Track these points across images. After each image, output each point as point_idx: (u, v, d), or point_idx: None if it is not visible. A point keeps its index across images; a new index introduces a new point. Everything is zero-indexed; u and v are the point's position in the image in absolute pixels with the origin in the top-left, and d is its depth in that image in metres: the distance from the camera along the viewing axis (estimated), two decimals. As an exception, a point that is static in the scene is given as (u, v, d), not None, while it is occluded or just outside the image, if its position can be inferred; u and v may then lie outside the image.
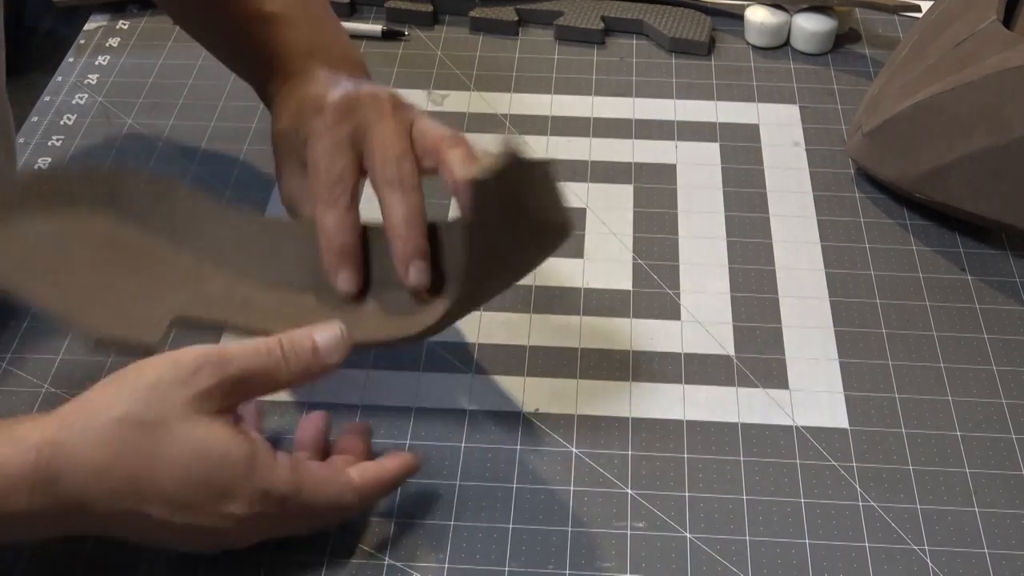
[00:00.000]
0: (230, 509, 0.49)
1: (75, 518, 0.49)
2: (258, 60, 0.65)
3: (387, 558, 0.55)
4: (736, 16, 0.90)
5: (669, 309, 0.68)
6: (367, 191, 0.59)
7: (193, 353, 0.49)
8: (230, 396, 0.50)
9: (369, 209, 0.59)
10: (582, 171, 0.77)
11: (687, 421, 0.62)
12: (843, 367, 0.64)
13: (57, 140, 0.80)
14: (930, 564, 0.55)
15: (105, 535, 0.51)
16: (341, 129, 0.57)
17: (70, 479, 0.47)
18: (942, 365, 0.64)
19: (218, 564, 0.55)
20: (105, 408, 0.48)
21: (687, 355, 0.65)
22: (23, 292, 0.56)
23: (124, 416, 0.48)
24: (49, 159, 0.78)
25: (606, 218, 0.74)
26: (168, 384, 0.48)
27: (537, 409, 0.62)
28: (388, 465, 0.54)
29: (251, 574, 0.55)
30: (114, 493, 0.48)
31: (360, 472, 0.53)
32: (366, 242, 0.58)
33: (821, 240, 0.72)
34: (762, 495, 0.58)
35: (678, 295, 0.69)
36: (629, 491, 0.58)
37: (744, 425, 0.61)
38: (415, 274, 0.56)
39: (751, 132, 0.81)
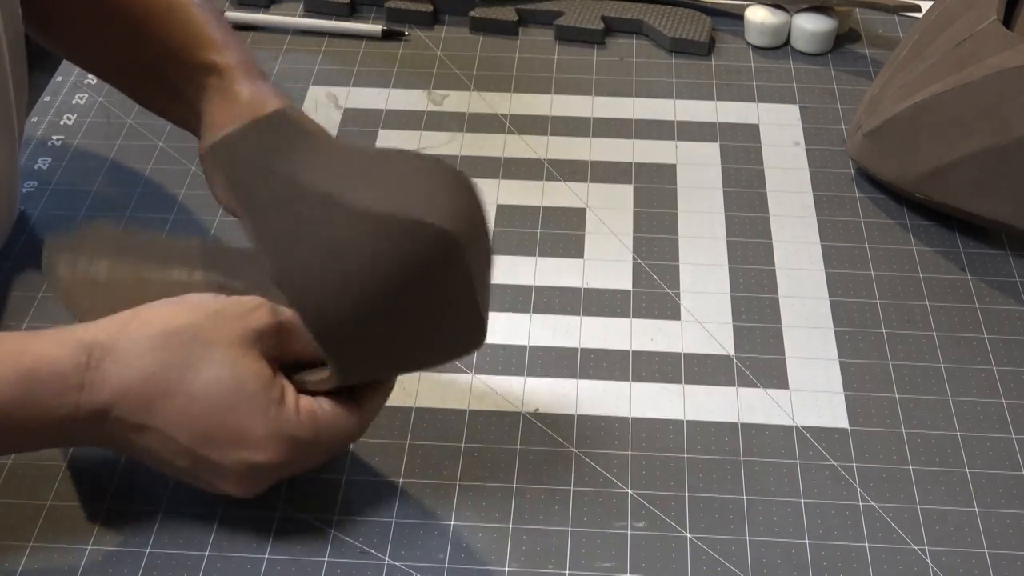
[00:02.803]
0: (246, 455, 0.50)
1: (106, 425, 0.50)
2: (186, 83, 0.64)
3: (387, 558, 0.55)
4: (736, 16, 0.90)
5: (669, 309, 0.68)
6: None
7: (253, 298, 0.51)
8: (279, 344, 0.51)
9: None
10: (582, 171, 0.77)
11: (687, 421, 0.62)
12: (843, 367, 0.64)
13: (57, 140, 0.80)
14: (930, 564, 0.55)
15: (126, 453, 0.53)
16: None
17: (115, 380, 0.49)
18: (942, 365, 0.64)
19: (218, 564, 0.55)
20: (164, 319, 0.50)
21: (687, 355, 0.65)
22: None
23: (183, 328, 0.50)
24: (49, 159, 0.78)
25: (606, 218, 0.74)
26: (229, 314, 0.50)
27: (537, 409, 0.62)
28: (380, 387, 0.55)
29: (251, 574, 0.55)
30: (146, 405, 0.49)
31: (367, 401, 0.54)
32: None
33: (821, 240, 0.72)
34: (762, 495, 0.58)
35: (678, 295, 0.69)
36: (629, 491, 0.58)
37: (744, 425, 0.61)
38: None
39: (751, 132, 0.81)
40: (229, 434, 0.50)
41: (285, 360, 0.52)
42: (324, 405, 0.52)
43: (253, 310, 0.51)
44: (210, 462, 0.51)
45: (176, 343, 0.50)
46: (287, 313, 0.52)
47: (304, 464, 0.53)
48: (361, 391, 0.53)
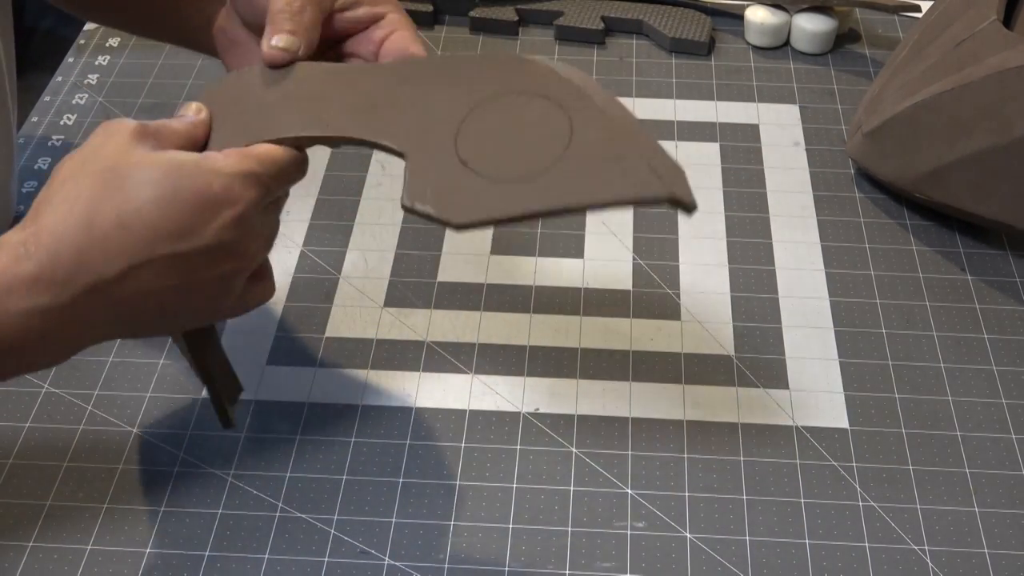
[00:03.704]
0: (223, 216, 0.48)
1: (89, 308, 0.47)
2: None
3: (387, 558, 0.55)
4: (736, 16, 0.90)
5: (669, 309, 0.68)
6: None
7: (106, 122, 0.50)
8: (158, 138, 0.50)
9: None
10: (582, 171, 0.77)
11: (687, 421, 0.62)
12: (843, 367, 0.64)
13: (57, 140, 0.80)
14: (930, 564, 0.55)
15: (132, 329, 0.51)
16: None
17: (65, 251, 0.46)
18: (942, 365, 0.64)
19: (218, 564, 0.55)
20: (63, 184, 0.48)
21: (687, 355, 0.65)
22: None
23: (80, 173, 0.47)
24: (49, 159, 0.78)
25: (606, 218, 0.74)
26: (103, 142, 0.49)
27: (537, 409, 0.62)
28: None
29: (251, 574, 0.55)
30: (108, 242, 0.47)
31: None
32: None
33: (821, 240, 0.72)
34: (762, 495, 0.58)
35: (678, 295, 0.69)
36: (629, 491, 0.58)
37: (744, 425, 0.61)
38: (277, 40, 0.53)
39: (751, 132, 0.81)
40: (195, 210, 0.48)
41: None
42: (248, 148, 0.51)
43: (119, 122, 0.49)
44: (208, 255, 0.48)
45: (89, 183, 0.47)
46: (157, 123, 0.50)
47: (275, 206, 0.52)
48: None
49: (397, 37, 0.55)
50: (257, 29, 0.55)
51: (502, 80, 0.50)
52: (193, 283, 0.49)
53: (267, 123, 0.52)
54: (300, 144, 0.52)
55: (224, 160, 0.49)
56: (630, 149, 0.47)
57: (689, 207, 0.46)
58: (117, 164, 0.48)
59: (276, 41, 0.53)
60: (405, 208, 0.48)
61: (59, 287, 0.46)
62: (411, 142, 0.50)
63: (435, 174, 0.49)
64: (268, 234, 0.53)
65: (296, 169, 0.52)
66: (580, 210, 0.48)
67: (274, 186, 0.51)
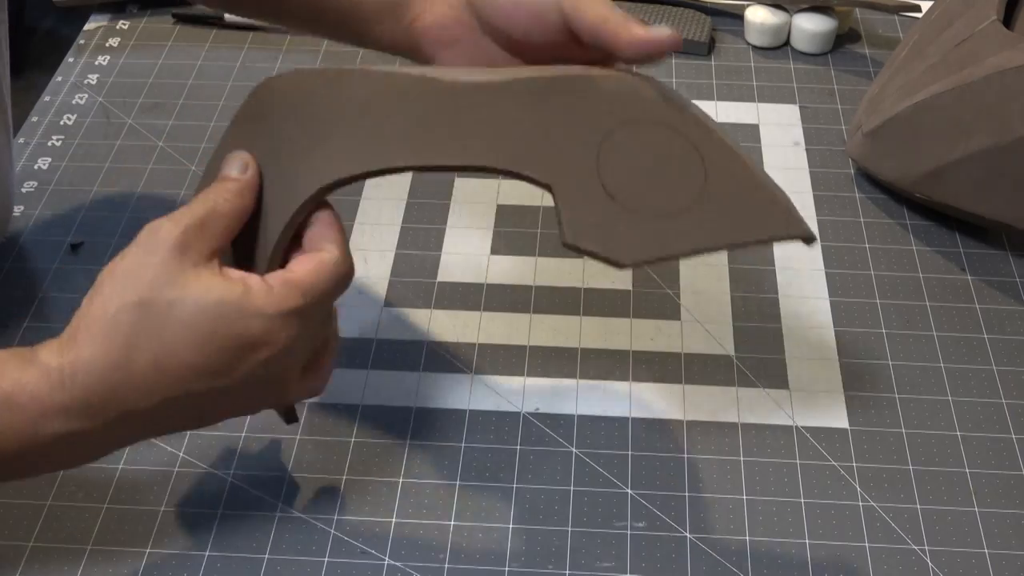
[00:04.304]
0: (260, 356, 0.48)
1: (121, 429, 0.49)
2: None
3: (387, 558, 0.55)
4: (736, 16, 0.90)
5: (669, 309, 0.68)
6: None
7: (151, 224, 0.49)
8: (202, 240, 0.49)
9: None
10: (582, 171, 0.77)
11: (687, 421, 0.62)
12: (843, 367, 0.64)
13: (57, 140, 0.80)
14: (930, 564, 0.55)
15: (162, 434, 0.51)
16: None
17: (100, 388, 0.47)
18: (942, 365, 0.64)
19: (218, 564, 0.55)
20: (102, 311, 0.48)
21: (687, 355, 0.65)
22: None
23: (120, 308, 0.47)
24: (49, 159, 0.78)
25: (606, 218, 0.73)
26: (141, 262, 0.48)
27: (537, 409, 0.62)
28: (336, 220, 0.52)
29: (251, 574, 0.55)
30: (145, 382, 0.47)
31: (328, 240, 0.51)
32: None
33: (821, 240, 0.72)
34: (762, 495, 0.58)
35: (678, 295, 0.69)
36: (629, 491, 0.58)
37: (744, 425, 0.61)
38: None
39: (751, 132, 0.81)
40: (233, 352, 0.48)
41: (224, 245, 0.50)
42: (293, 267, 0.50)
43: (154, 234, 0.48)
44: (244, 384, 0.49)
45: (127, 318, 0.47)
46: (192, 212, 0.49)
47: (320, 323, 0.52)
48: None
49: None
50: (493, 31, 0.54)
51: (625, 106, 0.50)
52: (230, 401, 0.50)
53: (366, 150, 0.50)
54: (404, 169, 0.50)
55: (266, 299, 0.48)
56: (761, 188, 0.49)
57: (812, 240, 0.50)
58: (156, 297, 0.47)
59: (654, 33, 0.51)
60: (568, 246, 0.48)
61: (91, 418, 0.48)
62: (555, 173, 0.49)
63: (589, 210, 0.49)
64: (314, 346, 0.52)
65: (343, 285, 0.51)
66: (728, 249, 0.50)
67: (318, 312, 0.50)
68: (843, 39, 0.88)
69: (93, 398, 0.47)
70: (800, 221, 0.49)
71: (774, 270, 0.70)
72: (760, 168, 0.50)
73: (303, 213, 0.51)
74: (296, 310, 0.49)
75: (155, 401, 0.48)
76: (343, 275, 0.51)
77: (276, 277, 0.49)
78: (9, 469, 0.49)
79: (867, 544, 0.56)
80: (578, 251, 0.48)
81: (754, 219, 0.49)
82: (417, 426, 0.61)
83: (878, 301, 0.68)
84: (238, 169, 0.52)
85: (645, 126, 0.49)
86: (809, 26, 0.86)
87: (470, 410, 0.62)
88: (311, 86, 0.52)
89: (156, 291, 0.47)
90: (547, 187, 0.49)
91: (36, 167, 0.78)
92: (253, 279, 0.49)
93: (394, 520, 0.57)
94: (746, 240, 0.49)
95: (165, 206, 0.74)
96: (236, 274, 0.49)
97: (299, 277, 0.49)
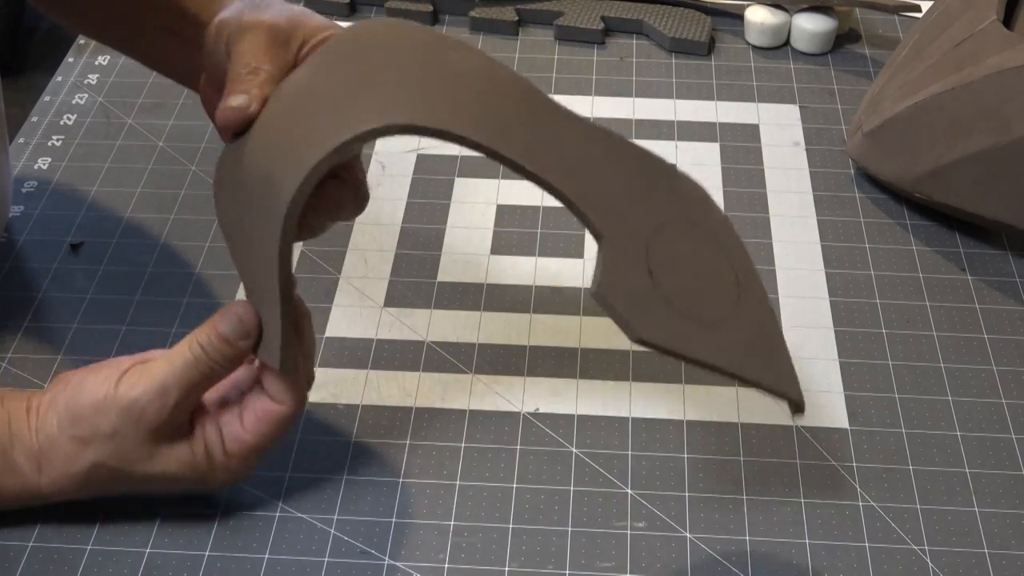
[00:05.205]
0: (208, 483, 0.55)
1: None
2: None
3: (387, 558, 0.55)
4: (736, 16, 0.90)
5: (669, 309, 0.68)
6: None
7: (139, 389, 0.52)
8: (179, 417, 0.53)
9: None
10: (582, 171, 0.77)
11: (687, 421, 0.62)
12: (843, 367, 0.64)
13: (57, 140, 0.80)
14: (930, 564, 0.55)
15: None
16: (278, 36, 0.53)
17: (63, 498, 0.55)
18: (942, 365, 0.64)
19: (218, 564, 0.55)
20: (77, 453, 0.53)
21: (687, 355, 0.65)
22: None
23: (94, 464, 0.53)
24: (49, 159, 0.78)
25: (606, 218, 0.73)
26: (125, 434, 0.52)
27: (537, 409, 0.62)
28: (307, 350, 0.55)
29: (251, 574, 0.55)
30: (104, 492, 0.55)
31: (283, 389, 0.54)
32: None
33: (821, 240, 0.72)
34: (762, 495, 0.58)
35: (678, 295, 0.68)
36: (629, 491, 0.58)
37: (744, 425, 0.61)
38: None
39: (751, 132, 0.81)
40: (186, 484, 0.55)
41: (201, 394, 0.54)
42: (250, 428, 0.54)
43: (142, 413, 0.52)
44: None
45: (99, 475, 0.54)
46: (175, 392, 0.52)
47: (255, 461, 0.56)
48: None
49: None
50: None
51: (693, 207, 0.52)
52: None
53: (427, 105, 0.49)
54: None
55: (224, 472, 0.55)
56: (779, 338, 0.53)
57: (800, 412, 0.52)
58: (131, 471, 0.54)
59: (232, 101, 0.52)
60: (596, 296, 0.48)
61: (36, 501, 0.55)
62: (612, 228, 0.49)
63: (628, 276, 0.49)
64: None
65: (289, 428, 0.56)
66: (730, 379, 0.50)
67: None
68: (843, 39, 0.88)
69: (38, 497, 0.55)
70: (797, 387, 0.52)
71: (774, 270, 0.70)
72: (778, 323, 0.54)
73: (324, 165, 0.48)
74: (245, 475, 0.55)
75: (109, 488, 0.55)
76: (293, 420, 0.55)
77: (236, 447, 0.54)
78: None
79: (867, 544, 0.56)
80: (603, 304, 0.48)
81: (766, 362, 0.51)
82: (417, 426, 0.61)
83: (878, 301, 0.68)
84: (237, 335, 0.53)
85: (702, 233, 0.52)
86: (809, 26, 0.86)
87: (470, 410, 0.62)
88: (404, 39, 0.51)
89: (132, 465, 0.53)
90: (599, 236, 0.49)
91: (36, 167, 0.78)
92: (218, 455, 0.54)
93: (394, 520, 0.57)
94: (751, 379, 0.50)
95: (165, 206, 0.74)
96: (202, 444, 0.54)
97: (256, 443, 0.54)
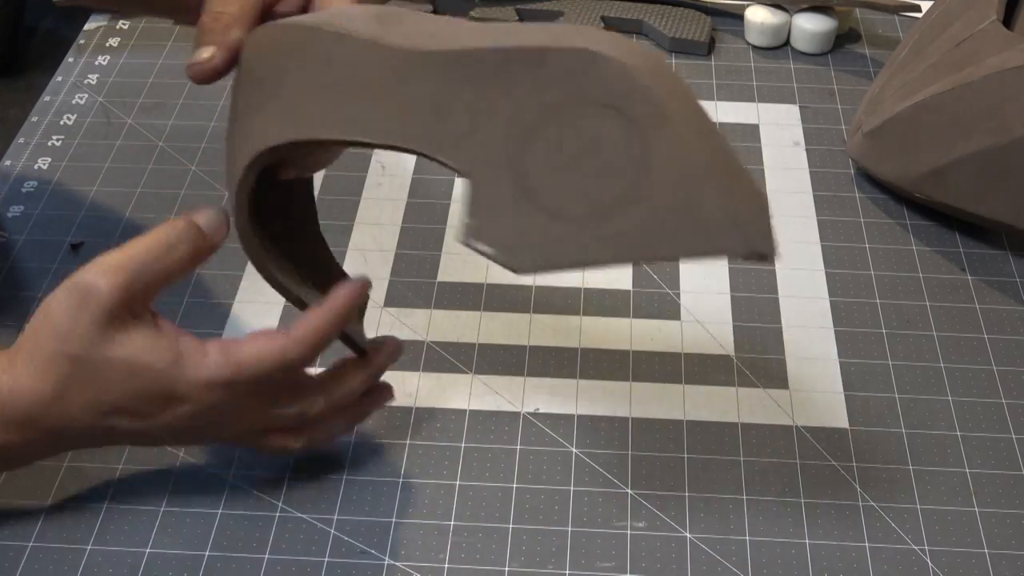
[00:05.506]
0: (182, 410, 0.50)
1: (61, 443, 0.53)
2: None
3: (387, 558, 0.55)
4: (736, 16, 0.90)
5: (669, 309, 0.68)
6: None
7: (90, 272, 0.49)
8: (135, 300, 0.50)
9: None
10: (582, 171, 0.77)
11: (687, 421, 0.62)
12: (843, 367, 0.64)
13: (57, 140, 0.80)
14: (930, 564, 0.55)
15: (98, 447, 0.55)
16: None
17: (35, 412, 0.50)
18: (942, 365, 0.64)
19: (218, 564, 0.55)
20: (38, 349, 0.50)
21: (687, 355, 0.65)
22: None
23: (54, 355, 0.49)
24: (49, 159, 0.78)
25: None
26: (75, 316, 0.49)
27: (537, 409, 0.62)
28: (328, 304, 0.52)
29: (251, 574, 0.55)
30: (81, 413, 0.50)
31: (295, 324, 0.52)
32: None
33: (821, 240, 0.72)
34: (762, 495, 0.58)
35: (678, 295, 0.68)
36: (629, 491, 0.58)
37: (744, 425, 0.61)
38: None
39: (751, 132, 0.81)
40: (154, 406, 0.50)
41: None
42: (244, 341, 0.51)
43: (88, 294, 0.49)
44: (162, 428, 0.51)
45: (59, 368, 0.49)
46: (126, 272, 0.49)
47: (264, 398, 0.53)
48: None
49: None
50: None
51: (574, 83, 0.44)
52: (160, 437, 0.53)
53: (297, 116, 0.48)
54: (339, 146, 0.49)
55: (195, 368, 0.50)
56: (708, 192, 0.43)
57: (769, 259, 0.44)
58: (89, 354, 0.49)
59: (197, 55, 0.51)
60: (463, 244, 0.45)
61: (23, 434, 0.51)
62: (474, 161, 0.45)
63: (498, 207, 0.45)
64: (263, 416, 0.54)
65: (286, 371, 0.52)
66: (652, 261, 0.45)
67: (251, 387, 0.51)
68: (843, 39, 0.88)
69: (28, 419, 0.50)
70: (750, 235, 0.43)
71: (774, 270, 0.70)
72: (723, 167, 0.44)
73: (249, 177, 0.50)
74: (224, 382, 0.50)
75: (85, 428, 0.51)
76: (288, 363, 0.51)
77: (216, 345, 0.51)
78: None
79: (867, 544, 0.56)
80: (475, 250, 0.45)
81: (690, 231, 0.43)
82: (417, 426, 0.61)
83: (878, 301, 0.68)
84: (207, 223, 0.52)
85: (590, 108, 0.44)
86: (809, 26, 0.86)
87: (470, 410, 0.62)
88: (282, 42, 0.50)
89: (89, 349, 0.49)
90: (461, 174, 0.46)
91: (36, 167, 0.78)
92: (186, 343, 0.50)
93: (394, 520, 0.57)
94: (673, 255, 0.45)
95: (165, 206, 0.74)
96: (169, 332, 0.50)
97: (240, 354, 0.50)
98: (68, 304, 0.49)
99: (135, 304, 0.50)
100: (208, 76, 0.51)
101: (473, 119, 0.46)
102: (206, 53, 0.51)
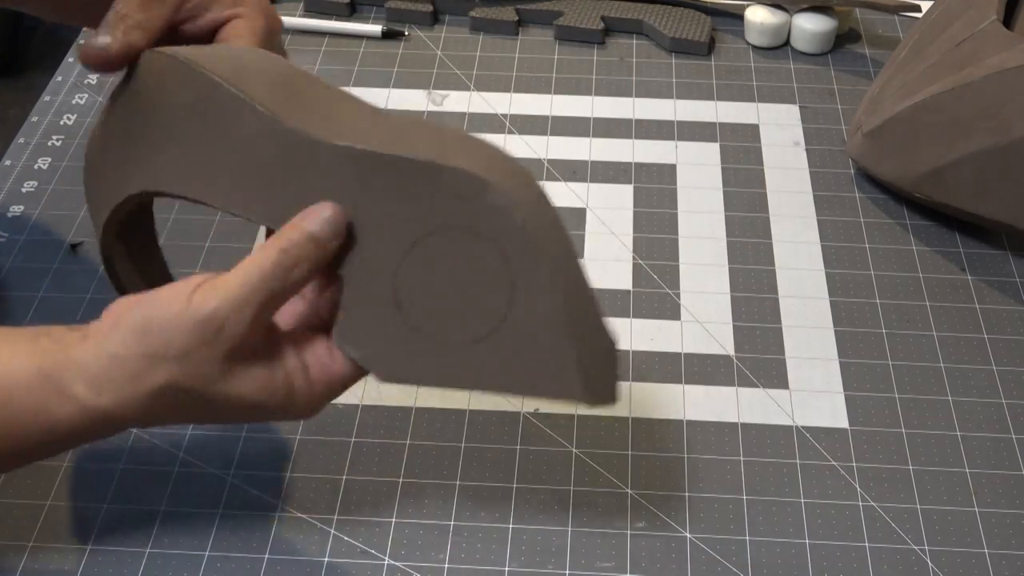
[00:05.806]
0: (287, 414, 0.50)
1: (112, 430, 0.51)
2: None
3: (387, 558, 0.55)
4: (736, 16, 0.90)
5: (669, 309, 0.68)
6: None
7: (213, 303, 0.46)
8: (256, 334, 0.48)
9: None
10: (582, 171, 0.77)
11: (687, 421, 0.62)
12: (843, 367, 0.64)
13: (57, 140, 0.80)
14: (930, 564, 0.55)
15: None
16: None
17: (127, 424, 0.49)
18: (942, 365, 0.64)
19: (218, 564, 0.55)
20: (146, 371, 0.47)
21: (687, 355, 0.65)
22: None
23: (165, 385, 0.47)
24: (49, 159, 0.78)
25: (606, 218, 0.74)
26: (199, 352, 0.47)
27: (537, 409, 0.62)
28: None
29: (251, 574, 0.55)
30: (167, 422, 0.50)
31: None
32: None
33: (821, 240, 0.72)
34: (762, 495, 0.58)
35: (678, 295, 0.69)
36: (629, 491, 0.58)
37: (744, 425, 0.61)
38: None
39: (751, 132, 0.81)
40: (254, 418, 0.51)
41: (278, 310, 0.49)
42: (339, 359, 0.50)
43: (219, 331, 0.47)
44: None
45: (170, 398, 0.48)
46: (252, 306, 0.47)
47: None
48: None
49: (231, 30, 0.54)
50: None
51: (462, 208, 0.45)
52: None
53: (188, 170, 0.49)
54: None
55: (306, 404, 0.49)
56: (565, 345, 0.45)
57: (611, 405, 0.48)
58: (205, 390, 0.47)
59: (94, 40, 0.51)
60: (337, 345, 0.48)
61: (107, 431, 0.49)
62: (351, 263, 0.47)
63: (369, 314, 0.47)
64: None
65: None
66: (505, 395, 0.48)
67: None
68: (843, 39, 0.88)
69: (106, 418, 0.48)
70: (594, 389, 0.46)
71: (774, 270, 0.70)
72: (581, 316, 0.46)
73: (116, 218, 0.52)
74: (323, 399, 0.50)
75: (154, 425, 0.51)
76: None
77: (322, 376, 0.49)
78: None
79: (867, 544, 0.56)
80: (344, 352, 0.48)
81: (541, 375, 0.46)
82: (417, 426, 0.61)
83: (878, 301, 0.68)
84: (327, 234, 0.47)
85: (468, 235, 0.45)
86: (809, 26, 0.86)
87: (470, 410, 0.62)
88: (180, 81, 0.49)
89: (207, 385, 0.47)
90: (343, 276, 0.47)
91: (36, 167, 0.78)
92: (299, 382, 0.49)
93: (394, 520, 0.57)
94: (523, 393, 0.47)
95: (165, 206, 0.74)
96: (282, 369, 0.48)
97: (344, 372, 0.49)
98: (193, 338, 0.47)
99: (255, 339, 0.48)
100: (100, 62, 0.51)
101: (357, 221, 0.47)
102: (105, 39, 0.51)
